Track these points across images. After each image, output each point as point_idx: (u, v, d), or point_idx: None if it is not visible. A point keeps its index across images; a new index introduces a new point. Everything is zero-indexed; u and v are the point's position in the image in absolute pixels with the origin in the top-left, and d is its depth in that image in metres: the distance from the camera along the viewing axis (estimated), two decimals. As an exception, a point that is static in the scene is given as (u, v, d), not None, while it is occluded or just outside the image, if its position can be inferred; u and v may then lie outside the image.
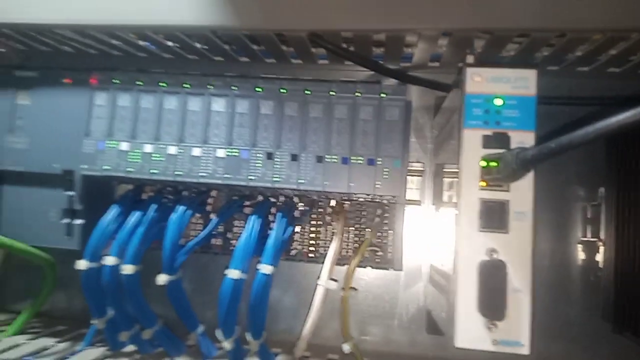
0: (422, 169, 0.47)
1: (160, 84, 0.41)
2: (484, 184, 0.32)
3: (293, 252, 0.47)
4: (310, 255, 0.47)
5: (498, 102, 0.33)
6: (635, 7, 0.34)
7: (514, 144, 0.32)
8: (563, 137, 0.25)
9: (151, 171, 0.40)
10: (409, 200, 0.45)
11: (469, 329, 0.30)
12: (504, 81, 0.33)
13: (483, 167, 0.32)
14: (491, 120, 0.33)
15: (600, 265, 0.44)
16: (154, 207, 0.41)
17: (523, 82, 0.33)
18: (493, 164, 0.31)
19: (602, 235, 0.44)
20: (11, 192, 0.43)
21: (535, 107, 0.33)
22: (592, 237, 0.46)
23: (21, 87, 0.42)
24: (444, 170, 0.44)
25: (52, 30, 0.41)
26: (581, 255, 0.46)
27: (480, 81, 0.33)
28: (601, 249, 0.44)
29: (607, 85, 0.46)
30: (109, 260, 0.39)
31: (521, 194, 0.31)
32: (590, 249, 0.46)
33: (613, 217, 0.43)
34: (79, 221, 0.42)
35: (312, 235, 0.47)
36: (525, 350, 0.30)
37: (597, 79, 0.46)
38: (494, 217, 0.31)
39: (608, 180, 0.45)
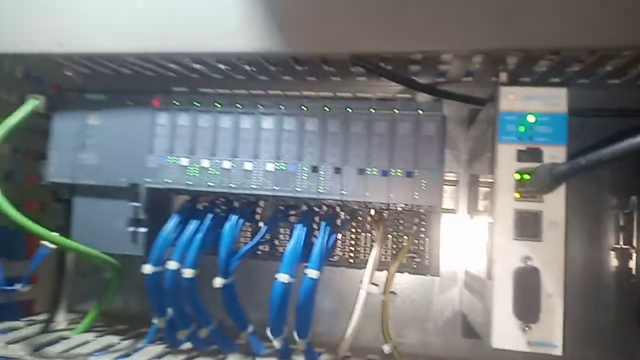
0: (456, 179, 0.49)
1: (215, 104, 0.45)
2: (518, 195, 0.35)
3: (335, 258, 0.50)
4: (351, 261, 0.50)
5: (531, 118, 0.35)
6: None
7: (546, 158, 0.34)
8: (593, 153, 0.28)
9: (208, 184, 0.44)
10: (444, 209, 0.48)
11: (505, 331, 0.33)
12: (536, 99, 0.35)
13: (517, 180, 0.34)
14: (524, 136, 0.35)
15: (634, 271, 0.46)
16: (209, 216, 0.45)
17: (554, 100, 0.35)
18: (526, 177, 0.34)
19: (634, 242, 0.46)
20: (82, 204, 0.48)
21: (567, 123, 0.35)
22: (624, 245, 0.47)
23: (91, 108, 0.47)
24: (479, 180, 0.46)
25: (119, 57, 0.46)
26: (614, 262, 0.48)
27: (513, 99, 0.36)
28: (634, 255, 0.46)
29: (638, 97, 0.47)
30: (171, 265, 0.43)
31: (554, 205, 0.34)
32: (623, 256, 0.47)
33: (645, 225, 0.44)
34: (142, 229, 0.46)
35: (353, 242, 0.50)
36: (558, 351, 0.32)
37: (628, 90, 0.47)
38: (528, 226, 0.34)
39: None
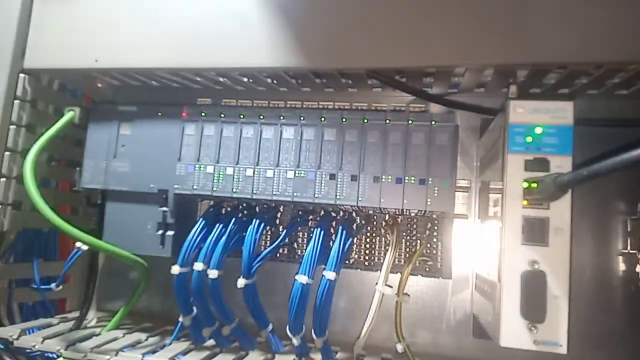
0: (468, 185, 0.51)
1: (240, 116, 0.48)
2: (526, 202, 0.37)
3: (351, 261, 0.53)
4: (366, 263, 0.53)
5: (538, 130, 0.37)
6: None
7: (553, 168, 0.36)
8: (594, 165, 0.30)
9: (232, 190, 0.47)
10: (456, 214, 0.50)
11: (513, 330, 0.35)
12: (543, 112, 0.37)
13: (525, 188, 0.36)
14: (532, 147, 0.37)
15: (640, 276, 0.47)
16: (233, 220, 0.48)
17: (561, 113, 0.37)
18: (534, 185, 0.36)
19: (641, 247, 0.47)
20: (114, 208, 0.51)
21: (572, 135, 0.37)
22: (632, 249, 0.49)
23: (123, 119, 0.50)
24: (490, 187, 0.48)
25: (151, 72, 0.49)
26: (622, 266, 0.49)
27: (522, 112, 0.38)
28: (640, 260, 0.47)
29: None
30: (198, 266, 0.46)
31: (559, 212, 0.36)
32: (631, 260, 0.49)
33: (651, 231, 0.46)
34: (170, 232, 0.49)
35: (368, 246, 0.52)
36: (563, 349, 0.34)
37: (635, 100, 0.49)
38: (535, 232, 0.36)
39: (647, 196, 0.48)
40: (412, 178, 0.45)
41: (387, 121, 0.46)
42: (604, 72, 0.43)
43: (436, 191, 0.44)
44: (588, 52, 0.39)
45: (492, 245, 0.42)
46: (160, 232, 0.49)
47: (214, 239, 0.47)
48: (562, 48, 0.39)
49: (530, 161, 0.37)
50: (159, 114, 0.49)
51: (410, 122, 0.45)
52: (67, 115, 0.49)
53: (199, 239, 0.47)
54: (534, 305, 0.34)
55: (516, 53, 0.40)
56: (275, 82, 0.51)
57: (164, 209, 0.49)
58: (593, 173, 0.29)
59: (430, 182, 0.44)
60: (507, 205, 0.37)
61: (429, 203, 0.44)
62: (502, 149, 0.39)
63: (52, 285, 0.52)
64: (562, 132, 0.37)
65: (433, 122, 0.45)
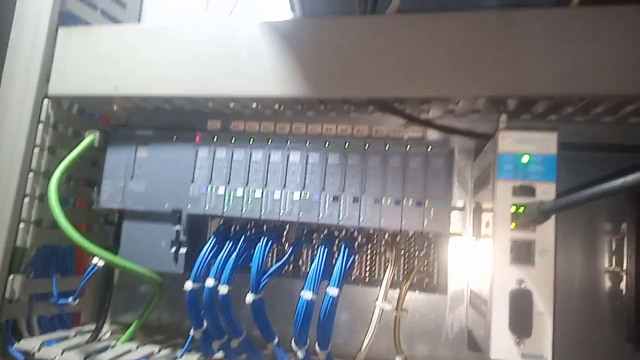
0: (462, 206, 0.54)
1: (250, 140, 0.51)
2: (513, 225, 0.40)
3: (352, 277, 0.56)
4: (367, 280, 0.56)
5: (525, 159, 0.40)
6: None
7: (538, 193, 0.40)
8: (573, 195, 0.33)
9: (242, 210, 0.50)
10: (451, 232, 0.53)
11: (502, 344, 0.38)
12: (529, 142, 0.41)
13: (513, 212, 0.40)
14: (520, 174, 0.40)
15: (624, 292, 0.50)
16: (242, 239, 0.51)
17: (546, 143, 0.40)
18: (521, 210, 0.39)
19: (624, 265, 0.50)
20: (131, 227, 0.54)
21: (556, 163, 0.40)
22: (616, 267, 0.52)
23: (140, 143, 0.54)
24: (483, 208, 0.52)
25: (167, 99, 0.53)
26: (608, 283, 0.53)
27: (510, 142, 0.41)
28: (624, 277, 0.50)
29: (629, 133, 0.52)
30: (209, 282, 0.49)
31: (544, 235, 0.39)
32: (615, 277, 0.52)
33: (634, 249, 0.49)
34: (183, 250, 0.52)
35: (369, 263, 0.56)
36: (548, 361, 0.37)
37: (620, 126, 0.52)
38: (522, 253, 0.39)
39: (629, 217, 0.51)
40: (410, 200, 0.48)
41: (387, 147, 0.49)
42: (587, 103, 0.46)
43: (432, 212, 0.47)
44: (572, 85, 0.42)
45: (485, 264, 0.45)
46: (174, 249, 0.52)
47: (224, 256, 0.50)
48: (546, 81, 0.43)
49: (517, 187, 0.40)
50: (174, 138, 0.53)
51: (408, 147, 0.49)
52: (88, 139, 0.53)
53: (210, 256, 0.50)
54: (521, 321, 0.37)
55: (506, 85, 0.43)
56: (281, 107, 0.55)
57: (177, 227, 0.52)
58: (572, 202, 0.32)
59: (426, 204, 0.47)
60: (497, 227, 0.40)
61: (425, 224, 0.47)
62: (493, 176, 0.42)
63: (70, 299, 0.54)
64: (547, 161, 0.40)
65: (429, 148, 0.49)
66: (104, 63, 0.51)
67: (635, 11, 0.41)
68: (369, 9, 0.49)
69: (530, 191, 0.40)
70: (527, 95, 0.44)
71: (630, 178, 0.31)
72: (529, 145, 0.41)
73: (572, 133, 0.53)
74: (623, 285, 0.51)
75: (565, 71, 0.42)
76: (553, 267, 0.38)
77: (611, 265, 0.53)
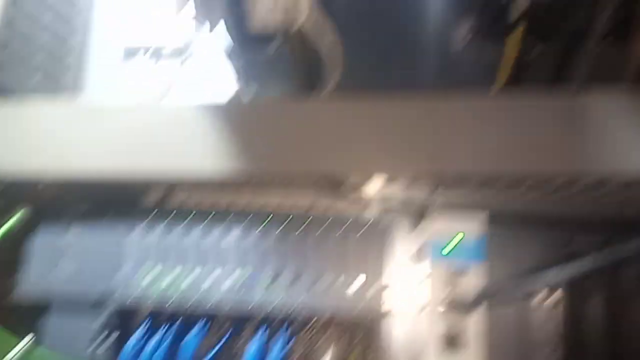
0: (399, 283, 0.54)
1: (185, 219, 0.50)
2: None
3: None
4: (307, 364, 0.53)
5: (455, 241, 0.41)
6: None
7: (470, 273, 0.40)
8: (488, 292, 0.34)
9: (171, 298, 0.47)
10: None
11: None
12: (459, 223, 0.42)
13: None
14: (451, 255, 0.41)
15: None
16: (172, 330, 0.48)
17: (475, 224, 0.41)
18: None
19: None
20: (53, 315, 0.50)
21: (485, 243, 0.41)
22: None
23: (69, 222, 0.51)
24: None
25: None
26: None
27: (442, 225, 0.42)
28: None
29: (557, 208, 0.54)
30: (135, 381, 0.45)
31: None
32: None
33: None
34: (108, 342, 0.48)
35: (307, 344, 0.53)
36: None
37: (548, 202, 0.54)
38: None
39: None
40: (348, 280, 0.47)
41: (326, 224, 0.49)
42: (510, 180, 0.48)
43: (370, 293, 0.46)
44: (491, 165, 0.44)
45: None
46: (98, 341, 0.48)
47: (150, 350, 0.46)
48: (476, 159, 0.44)
49: (449, 270, 0.40)
50: (101, 218, 0.50)
51: (347, 223, 0.49)
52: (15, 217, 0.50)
53: (136, 349, 0.47)
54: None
55: (440, 163, 0.44)
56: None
57: (105, 313, 0.48)
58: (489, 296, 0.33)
59: (364, 285, 0.47)
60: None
61: (362, 304, 0.46)
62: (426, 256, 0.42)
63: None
64: (476, 241, 0.41)
65: (368, 225, 0.48)
66: (28, 142, 0.49)
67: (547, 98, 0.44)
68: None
69: (461, 273, 0.40)
70: (460, 172, 0.45)
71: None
72: (460, 226, 0.41)
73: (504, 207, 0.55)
74: None
75: (484, 155, 0.43)
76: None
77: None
